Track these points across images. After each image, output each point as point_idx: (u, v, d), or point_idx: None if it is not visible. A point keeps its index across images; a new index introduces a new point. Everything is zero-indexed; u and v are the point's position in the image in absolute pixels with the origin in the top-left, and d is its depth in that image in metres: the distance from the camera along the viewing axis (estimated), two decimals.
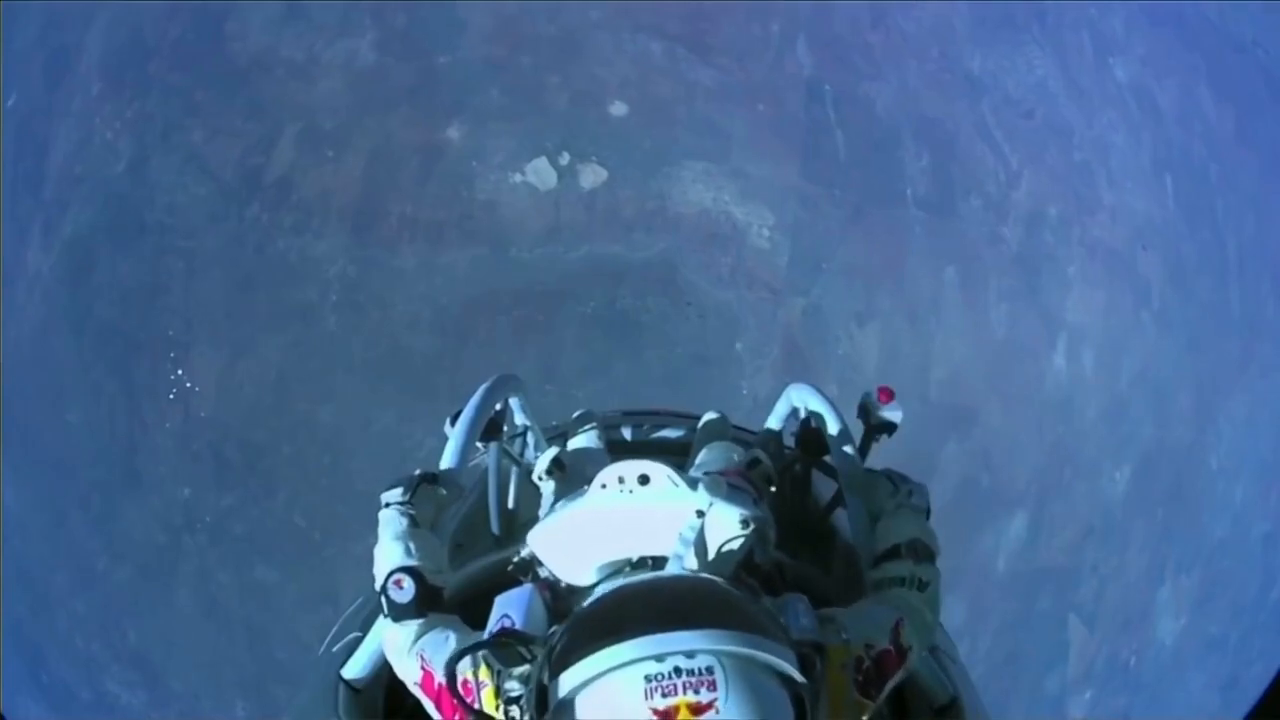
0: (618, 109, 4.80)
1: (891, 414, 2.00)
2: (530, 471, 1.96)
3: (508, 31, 4.83)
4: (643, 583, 1.37)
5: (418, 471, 1.75)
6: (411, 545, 1.64)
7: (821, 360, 4.68)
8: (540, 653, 1.31)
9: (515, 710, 1.35)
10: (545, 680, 1.28)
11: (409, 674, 1.56)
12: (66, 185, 4.56)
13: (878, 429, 2.05)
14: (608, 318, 4.54)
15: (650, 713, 1.18)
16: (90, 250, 4.49)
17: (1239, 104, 5.38)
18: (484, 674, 1.37)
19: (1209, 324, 5.13)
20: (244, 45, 4.73)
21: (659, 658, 1.23)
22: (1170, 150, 5.31)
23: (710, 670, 1.21)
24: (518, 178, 4.68)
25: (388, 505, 1.69)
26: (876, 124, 5.03)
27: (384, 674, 1.73)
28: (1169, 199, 5.24)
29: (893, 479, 1.79)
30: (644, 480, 1.51)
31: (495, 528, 1.99)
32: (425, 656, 1.52)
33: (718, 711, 1.18)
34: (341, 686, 1.70)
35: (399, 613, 1.59)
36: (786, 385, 2.18)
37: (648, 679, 1.21)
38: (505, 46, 4.82)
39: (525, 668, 1.33)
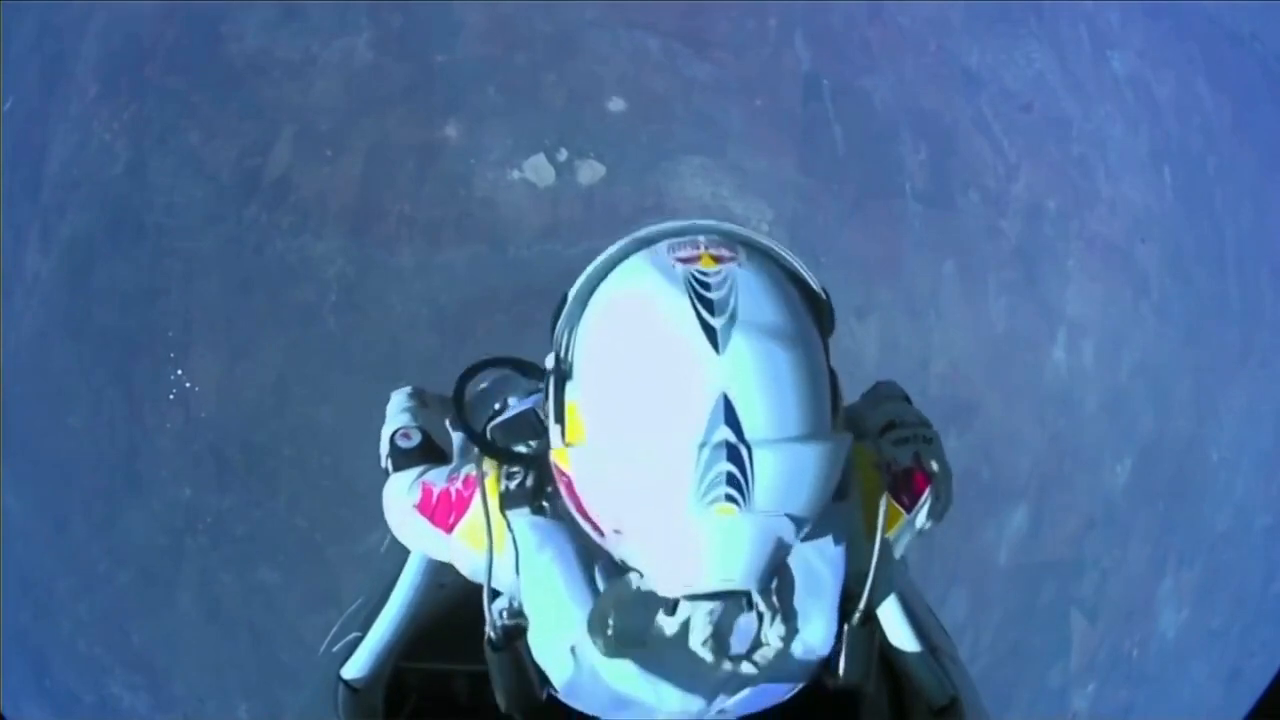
0: (615, 105, 4.80)
1: None
2: None
3: (504, 30, 4.82)
4: None
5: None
6: (419, 415, 1.68)
7: None
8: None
9: (517, 478, 1.32)
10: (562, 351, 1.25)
11: (407, 503, 1.51)
12: (64, 188, 4.55)
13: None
14: None
15: (673, 260, 1.13)
16: (89, 253, 4.49)
17: (1237, 96, 5.37)
18: (488, 464, 1.35)
19: (1208, 315, 5.12)
20: (240, 47, 4.73)
21: (680, 232, 1.21)
22: (1168, 142, 5.30)
23: (731, 245, 1.18)
24: (515, 175, 4.68)
25: (397, 394, 1.76)
26: (874, 118, 5.03)
27: (384, 674, 1.74)
28: (1167, 191, 5.24)
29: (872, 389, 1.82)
30: None
31: None
32: (427, 480, 1.52)
33: (740, 265, 1.13)
34: (341, 687, 1.70)
35: (405, 459, 1.61)
36: None
37: (669, 244, 1.18)
38: (501, 45, 4.82)
39: (532, 441, 1.32)
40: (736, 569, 1.11)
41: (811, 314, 1.18)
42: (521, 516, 1.32)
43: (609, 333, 1.15)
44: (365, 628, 1.77)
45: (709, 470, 1.03)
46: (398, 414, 1.72)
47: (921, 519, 1.43)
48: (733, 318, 1.06)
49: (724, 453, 1.02)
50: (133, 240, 4.50)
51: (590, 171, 4.70)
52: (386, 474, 1.65)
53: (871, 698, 1.91)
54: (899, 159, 4.99)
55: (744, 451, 1.02)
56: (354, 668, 1.72)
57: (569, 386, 1.20)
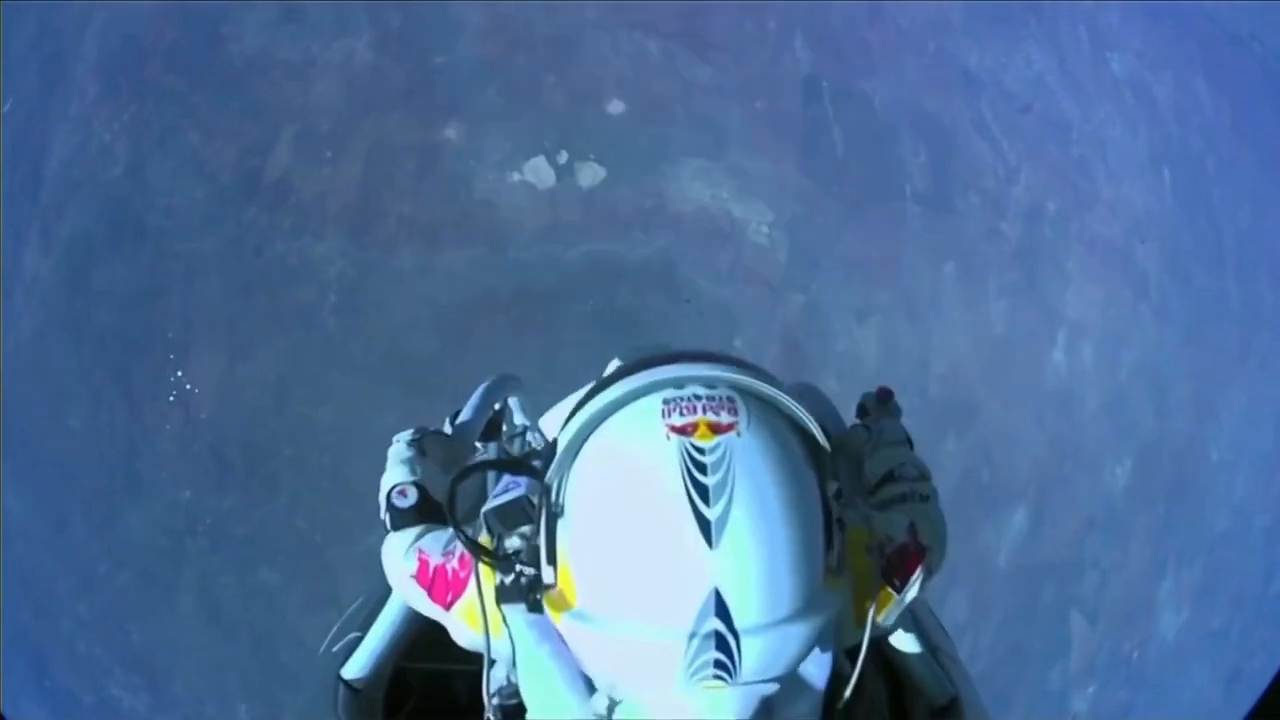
0: (615, 107, 4.80)
1: None
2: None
3: (504, 31, 4.83)
4: None
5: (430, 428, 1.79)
6: (417, 468, 1.65)
7: (820, 356, 4.68)
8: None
9: (512, 565, 1.26)
10: (550, 481, 1.18)
11: (404, 570, 1.51)
12: (64, 189, 4.56)
13: None
14: (607, 316, 4.54)
15: (667, 430, 1.09)
16: (88, 253, 4.49)
17: (1236, 96, 5.37)
18: (483, 539, 1.31)
19: (1208, 316, 5.12)
20: (240, 47, 4.73)
21: (678, 383, 1.14)
22: (1168, 143, 5.30)
23: (731, 400, 1.12)
24: (515, 177, 4.68)
25: (397, 442, 1.71)
26: (874, 120, 5.03)
27: (384, 674, 1.73)
28: (1167, 192, 5.24)
29: (867, 426, 1.79)
30: None
31: None
32: (423, 549, 1.50)
33: (739, 434, 1.09)
34: (341, 687, 1.70)
35: (401, 518, 1.58)
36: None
37: (665, 401, 1.12)
38: (501, 46, 4.82)
39: (528, 527, 1.25)
40: None
41: (812, 462, 1.16)
42: (518, 613, 1.29)
43: (602, 499, 1.12)
44: (365, 628, 1.77)
45: (698, 657, 1.04)
46: (395, 465, 1.68)
47: (912, 594, 1.43)
48: (728, 507, 1.04)
49: (713, 642, 1.03)
50: (133, 241, 4.50)
51: (590, 173, 4.71)
52: (385, 529, 1.63)
53: (871, 698, 1.91)
54: (899, 161, 4.99)
55: (732, 640, 1.04)
56: (354, 668, 1.72)
57: (560, 525, 1.17)
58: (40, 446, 4.33)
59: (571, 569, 1.14)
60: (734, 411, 1.11)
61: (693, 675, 1.05)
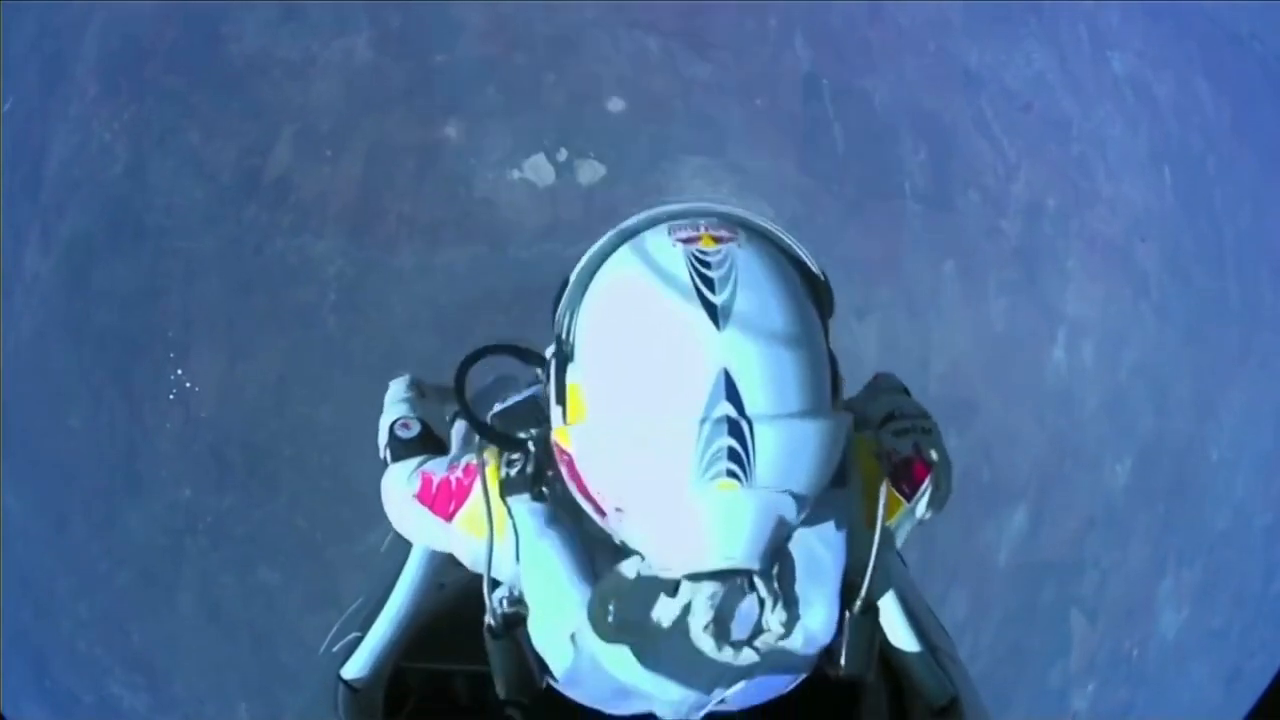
0: (615, 105, 4.80)
1: None
2: None
3: (503, 30, 4.82)
4: None
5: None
6: (417, 406, 1.70)
7: None
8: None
9: (518, 465, 1.32)
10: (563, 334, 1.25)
11: (406, 493, 1.50)
12: (64, 188, 4.55)
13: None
14: None
15: (673, 240, 1.15)
16: (88, 253, 4.49)
17: (1236, 96, 5.37)
18: (488, 453, 1.36)
19: (1208, 315, 5.12)
20: (240, 47, 4.73)
21: (680, 215, 1.21)
22: (1168, 142, 5.30)
23: (731, 227, 1.17)
24: (515, 175, 4.68)
25: (395, 384, 1.77)
26: (874, 118, 5.03)
27: (384, 674, 1.74)
28: (1167, 190, 5.24)
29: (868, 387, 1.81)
30: None
31: None
32: (426, 469, 1.51)
33: (740, 245, 1.13)
34: (341, 687, 1.70)
35: (405, 449, 1.62)
36: None
37: (670, 227, 1.19)
38: (501, 45, 4.82)
39: (533, 429, 1.31)
40: (738, 547, 1.10)
41: (811, 297, 1.18)
42: (522, 503, 1.31)
43: (610, 312, 1.16)
44: (365, 628, 1.77)
45: (710, 445, 1.03)
46: (396, 404, 1.72)
47: (922, 508, 1.43)
48: (733, 295, 1.07)
49: (725, 427, 1.03)
50: (132, 240, 4.50)
51: (590, 171, 4.70)
52: (385, 464, 1.65)
53: (871, 698, 1.91)
54: (899, 159, 4.99)
55: (745, 426, 1.03)
56: (354, 668, 1.72)
57: (570, 368, 1.19)
58: (40, 446, 4.33)
59: (582, 390, 1.16)
60: (734, 231, 1.16)
61: (706, 470, 1.04)
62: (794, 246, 1.21)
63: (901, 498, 1.41)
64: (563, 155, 4.70)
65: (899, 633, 1.72)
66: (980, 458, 4.76)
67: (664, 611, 1.25)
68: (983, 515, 4.76)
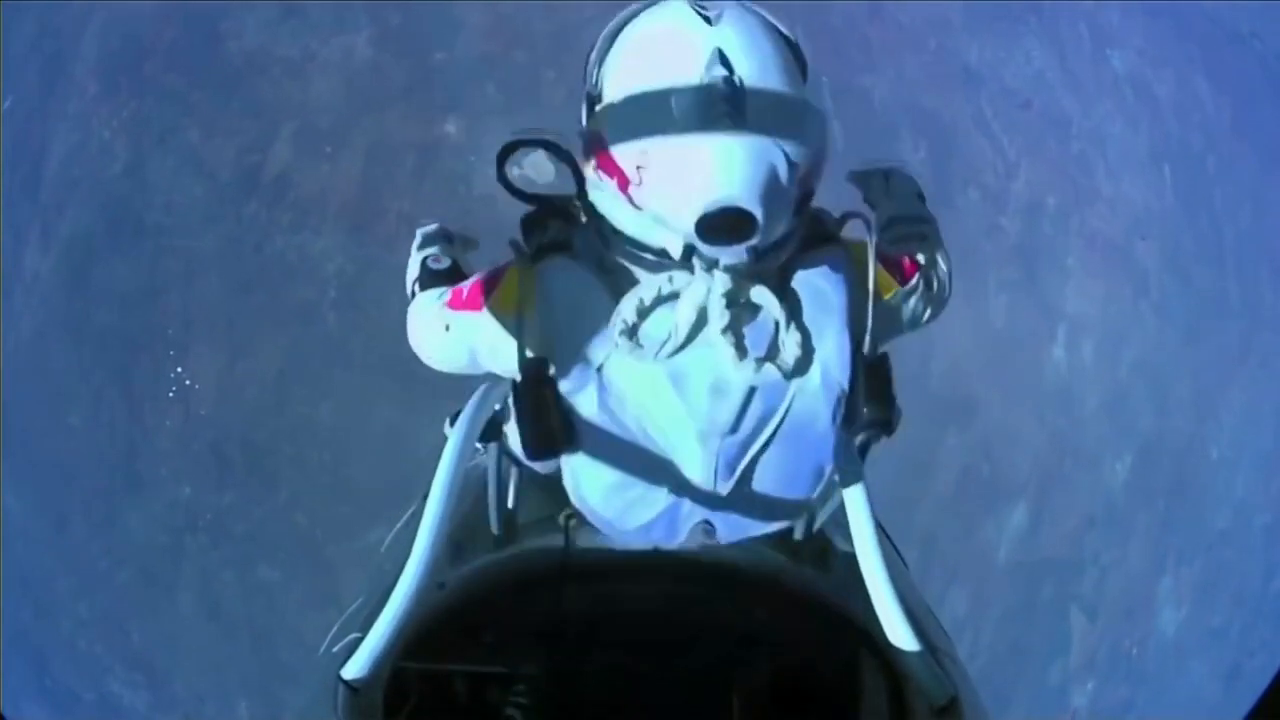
0: None
1: None
2: (529, 471, 1.95)
3: (503, 28, 4.82)
4: None
5: None
6: (448, 249, 1.83)
7: None
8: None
9: (548, 236, 1.51)
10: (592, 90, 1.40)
11: (437, 305, 1.64)
12: (64, 188, 4.55)
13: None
14: None
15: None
16: (88, 252, 4.49)
17: (1236, 95, 5.37)
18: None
19: (1208, 313, 5.12)
20: (240, 45, 4.73)
21: None
22: (1168, 141, 5.30)
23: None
24: (515, 172, 4.67)
25: (421, 232, 1.88)
26: (874, 116, 5.03)
27: (384, 674, 1.73)
28: (1167, 189, 5.24)
29: (886, 175, 1.91)
30: None
31: (495, 528, 1.99)
32: (456, 286, 1.64)
33: (730, 8, 1.32)
34: (341, 687, 1.70)
35: (434, 280, 1.76)
36: None
37: None
38: (501, 42, 4.81)
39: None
40: (738, 183, 1.25)
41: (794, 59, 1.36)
42: (551, 261, 1.46)
43: (628, 48, 1.36)
44: (365, 628, 1.77)
45: (710, 95, 1.24)
46: (427, 243, 1.86)
47: (915, 299, 1.60)
48: (722, 16, 1.30)
49: (720, 82, 1.24)
50: (132, 239, 4.50)
51: (590, 170, 4.69)
52: (412, 296, 1.78)
53: (871, 698, 1.91)
54: (899, 157, 4.97)
55: (737, 82, 1.24)
56: (354, 668, 1.72)
57: (598, 108, 1.37)
58: (40, 446, 4.33)
59: (605, 93, 1.36)
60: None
61: (707, 113, 1.24)
62: (781, 27, 1.39)
63: (895, 283, 1.57)
64: None
65: (899, 633, 1.72)
66: (980, 456, 4.76)
67: (684, 310, 1.38)
68: (982, 513, 4.77)
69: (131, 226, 4.50)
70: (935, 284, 1.65)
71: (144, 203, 4.52)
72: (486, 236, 4.75)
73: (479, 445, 2.00)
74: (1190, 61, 5.39)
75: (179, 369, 4.40)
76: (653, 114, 1.28)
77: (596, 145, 1.38)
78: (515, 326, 1.44)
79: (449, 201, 4.61)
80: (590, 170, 1.43)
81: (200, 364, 4.43)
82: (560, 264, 1.46)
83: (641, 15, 1.39)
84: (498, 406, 2.01)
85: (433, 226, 1.94)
